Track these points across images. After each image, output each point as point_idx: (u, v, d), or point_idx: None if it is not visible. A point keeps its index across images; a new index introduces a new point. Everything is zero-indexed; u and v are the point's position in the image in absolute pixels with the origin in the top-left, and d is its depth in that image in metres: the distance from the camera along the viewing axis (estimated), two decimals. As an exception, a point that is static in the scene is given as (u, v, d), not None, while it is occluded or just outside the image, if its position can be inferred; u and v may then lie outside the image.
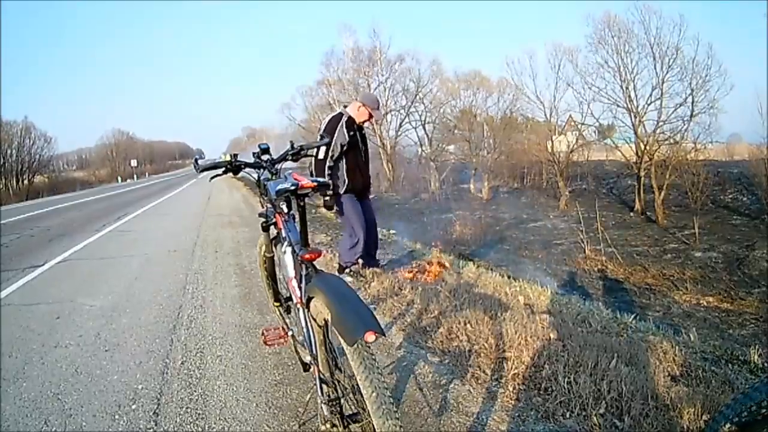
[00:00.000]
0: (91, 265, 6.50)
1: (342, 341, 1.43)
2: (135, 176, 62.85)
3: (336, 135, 4.30)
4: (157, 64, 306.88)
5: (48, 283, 5.60)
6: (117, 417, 2.51)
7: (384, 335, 1.43)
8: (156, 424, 2.42)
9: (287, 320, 2.70)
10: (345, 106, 4.60)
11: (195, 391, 2.74)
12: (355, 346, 1.41)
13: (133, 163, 65.93)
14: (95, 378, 3.00)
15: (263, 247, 2.59)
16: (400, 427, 1.36)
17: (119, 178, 59.03)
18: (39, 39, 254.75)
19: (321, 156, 4.28)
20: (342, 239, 4.77)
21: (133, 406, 2.61)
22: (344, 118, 4.40)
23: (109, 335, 3.74)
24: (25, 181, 44.13)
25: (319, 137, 4.08)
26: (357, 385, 1.55)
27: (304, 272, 1.78)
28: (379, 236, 5.49)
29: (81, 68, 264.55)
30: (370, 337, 1.36)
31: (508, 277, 4.84)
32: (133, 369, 3.09)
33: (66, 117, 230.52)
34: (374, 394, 1.37)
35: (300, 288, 1.82)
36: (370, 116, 4.53)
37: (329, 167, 4.32)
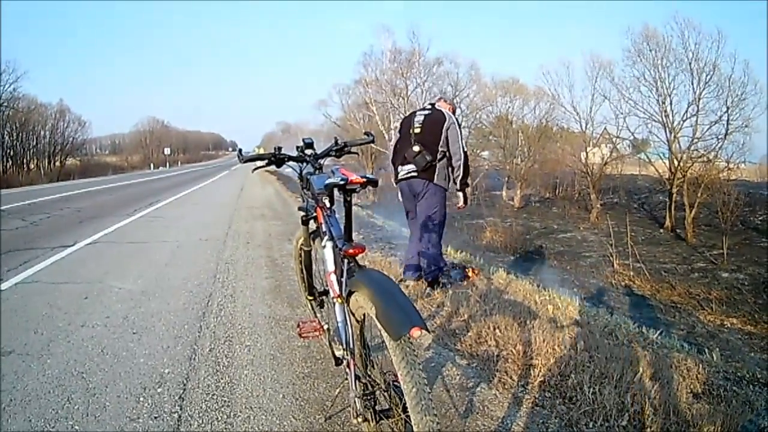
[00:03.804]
0: (122, 248, 6.58)
1: (386, 336, 1.40)
2: (167, 164, 63.76)
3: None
4: (195, 58, 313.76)
5: (77, 264, 5.65)
6: (142, 399, 2.50)
7: (429, 332, 1.40)
8: (181, 409, 2.40)
9: (319, 314, 2.67)
10: (432, 104, 4.38)
11: (222, 378, 2.73)
12: (399, 341, 1.37)
13: (167, 151, 66.40)
14: (121, 359, 3.00)
15: (300, 240, 2.59)
16: (438, 423, 1.34)
17: (152, 165, 60.06)
18: (84, 26, 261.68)
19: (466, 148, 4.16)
20: (433, 243, 4.24)
21: (159, 390, 2.60)
22: None
23: (137, 318, 3.75)
24: (57, 163, 44.68)
25: (451, 128, 4.05)
26: (390, 381, 1.58)
27: (345, 267, 1.75)
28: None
29: (121, 57, 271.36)
30: (415, 332, 1.33)
31: (537, 286, 4.76)
32: (160, 353, 3.08)
33: (102, 103, 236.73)
34: (414, 389, 1.34)
35: (340, 282, 1.80)
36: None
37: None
